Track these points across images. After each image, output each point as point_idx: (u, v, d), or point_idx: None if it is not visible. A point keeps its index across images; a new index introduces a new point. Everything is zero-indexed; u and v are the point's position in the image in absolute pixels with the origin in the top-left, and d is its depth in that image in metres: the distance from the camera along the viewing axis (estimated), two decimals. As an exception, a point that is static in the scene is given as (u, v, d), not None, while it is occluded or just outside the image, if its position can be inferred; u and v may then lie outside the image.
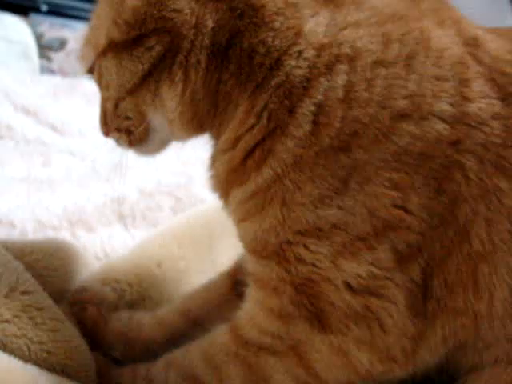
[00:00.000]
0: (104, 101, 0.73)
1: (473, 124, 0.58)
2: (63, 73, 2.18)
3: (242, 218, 0.64)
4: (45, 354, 0.67)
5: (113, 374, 0.73)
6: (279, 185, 0.60)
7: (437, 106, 0.58)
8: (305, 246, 0.59)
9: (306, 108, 0.60)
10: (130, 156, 1.35)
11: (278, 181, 0.60)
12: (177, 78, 0.64)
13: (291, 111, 0.60)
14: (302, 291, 0.60)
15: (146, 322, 0.81)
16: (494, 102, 0.59)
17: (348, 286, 0.58)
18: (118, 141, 0.75)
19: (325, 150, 0.58)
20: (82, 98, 1.84)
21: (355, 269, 0.58)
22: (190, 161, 1.34)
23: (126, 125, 0.72)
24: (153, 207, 1.19)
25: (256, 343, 0.63)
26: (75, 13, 2.58)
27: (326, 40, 0.61)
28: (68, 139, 1.54)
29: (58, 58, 2.22)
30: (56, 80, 1.97)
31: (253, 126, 0.62)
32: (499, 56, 0.61)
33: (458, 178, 0.58)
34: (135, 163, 1.30)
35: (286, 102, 0.60)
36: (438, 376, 0.66)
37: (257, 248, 0.63)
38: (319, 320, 0.60)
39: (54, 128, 1.63)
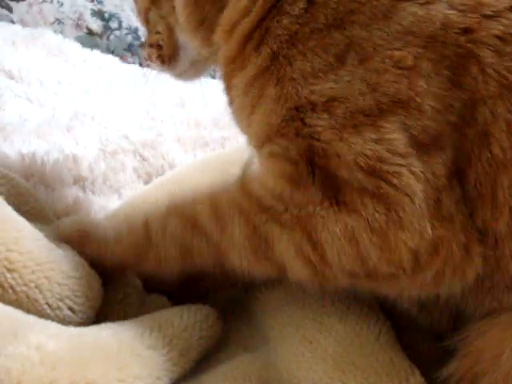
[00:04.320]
0: (138, 15, 0.76)
1: (488, 13, 0.54)
2: (24, 24, 2.04)
3: (249, 111, 0.61)
4: None
5: (111, 224, 0.70)
6: (275, 63, 0.59)
7: None
8: (301, 120, 0.56)
9: None
10: (93, 106, 1.26)
11: (275, 58, 0.59)
12: None
13: None
14: (314, 164, 0.55)
15: None
16: None
17: (358, 164, 0.53)
18: (150, 58, 0.76)
19: (319, 28, 0.57)
20: (44, 50, 1.71)
21: (360, 146, 0.53)
22: (159, 116, 1.24)
23: (156, 39, 0.73)
24: (115, 168, 1.08)
25: (264, 205, 0.59)
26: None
27: None
28: (26, 87, 1.42)
29: (19, 8, 2.08)
30: (16, 28, 1.84)
31: (249, 10, 0.61)
32: None
33: (475, 72, 0.53)
34: (98, 114, 1.23)
35: None
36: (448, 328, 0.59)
37: (264, 134, 0.59)
38: (333, 192, 0.55)
39: (10, 75, 1.49)
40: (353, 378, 0.58)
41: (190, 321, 0.64)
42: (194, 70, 0.78)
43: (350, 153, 0.54)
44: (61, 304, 0.62)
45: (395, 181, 0.53)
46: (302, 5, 0.58)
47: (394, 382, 0.57)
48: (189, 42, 0.71)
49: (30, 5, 2.00)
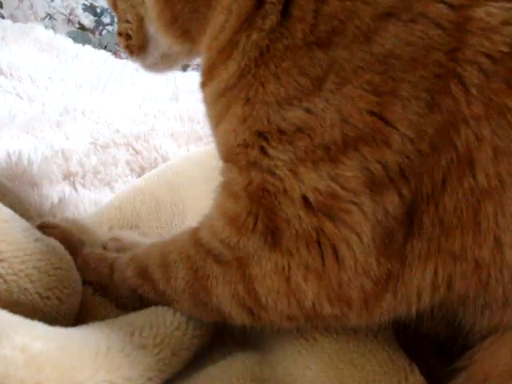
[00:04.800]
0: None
1: (476, 31, 0.50)
2: (15, 20, 2.01)
3: (215, 122, 0.59)
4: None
5: (84, 252, 0.71)
6: (243, 81, 0.55)
7: (432, 7, 0.50)
8: (261, 149, 0.53)
9: None
10: (84, 102, 1.24)
11: (243, 77, 0.55)
12: None
13: (260, 0, 0.55)
14: (258, 201, 0.54)
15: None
16: (510, 5, 0.50)
17: (305, 200, 0.52)
18: (120, 47, 0.73)
19: (297, 45, 0.53)
20: (34, 45, 1.69)
21: (314, 181, 0.51)
22: (153, 111, 1.22)
23: (126, 27, 0.70)
24: (107, 161, 1.07)
25: (208, 247, 0.59)
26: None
27: None
28: (16, 82, 1.40)
29: (9, 3, 2.06)
30: (6, 23, 1.81)
31: (225, 24, 0.58)
32: None
33: (456, 92, 0.50)
34: (89, 109, 1.20)
35: None
36: (451, 342, 0.57)
37: (223, 151, 0.57)
38: (272, 236, 0.53)
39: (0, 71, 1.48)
40: (350, 376, 0.56)
41: (182, 319, 0.63)
42: (164, 63, 0.74)
43: (299, 189, 0.52)
44: (50, 294, 0.62)
45: (345, 218, 0.51)
46: (275, 19, 0.54)
47: (392, 381, 0.56)
48: (160, 36, 0.68)
49: (21, 0, 1.97)
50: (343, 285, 0.52)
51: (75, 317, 0.66)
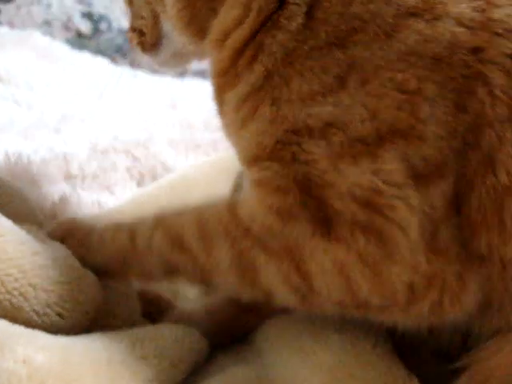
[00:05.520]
0: None
1: (499, 31, 0.51)
2: (12, 26, 2.01)
3: (238, 126, 0.58)
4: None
5: (98, 228, 0.68)
6: (270, 82, 0.56)
7: (453, 8, 0.51)
8: (299, 145, 0.53)
9: None
10: (82, 108, 1.24)
11: (269, 77, 0.56)
12: None
13: (282, 0, 0.56)
14: (308, 193, 0.53)
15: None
16: None
17: (353, 195, 0.52)
18: (132, 43, 0.73)
19: (319, 46, 0.54)
20: (32, 52, 1.69)
21: (356, 176, 0.51)
22: (151, 119, 1.23)
23: (139, 24, 0.70)
24: (106, 167, 1.07)
25: (252, 233, 0.57)
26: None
27: None
28: (14, 89, 1.40)
29: (7, 10, 2.06)
30: (3, 30, 1.82)
31: (241, 20, 0.58)
32: None
33: (482, 94, 0.51)
34: (88, 116, 1.21)
35: None
36: (453, 344, 0.58)
37: (254, 154, 0.57)
38: (324, 224, 0.53)
39: (-3, 77, 1.48)
40: (350, 388, 0.56)
41: (179, 333, 0.63)
42: (176, 61, 0.74)
43: (345, 183, 0.52)
44: (48, 310, 0.60)
45: (390, 214, 0.51)
46: (300, 19, 0.55)
47: (392, 392, 0.56)
48: (175, 34, 0.68)
49: (19, 7, 1.97)
50: (392, 279, 0.52)
51: (82, 330, 0.63)
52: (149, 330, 0.64)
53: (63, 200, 0.93)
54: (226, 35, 0.60)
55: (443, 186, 0.52)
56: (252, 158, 0.58)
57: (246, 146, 0.58)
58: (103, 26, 1.90)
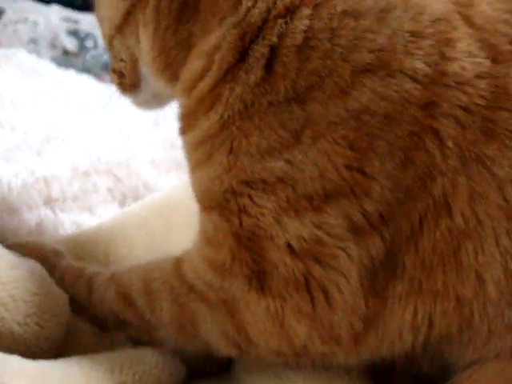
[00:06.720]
0: (103, 38, 0.75)
1: (452, 84, 0.53)
2: (-1, 44, 2.02)
3: (192, 167, 0.60)
4: None
5: (60, 266, 0.72)
6: (226, 132, 0.57)
7: (408, 63, 0.53)
8: (249, 197, 0.55)
9: (259, 51, 0.56)
10: (65, 128, 1.24)
11: (226, 128, 0.57)
12: (149, 20, 0.63)
13: (243, 54, 0.57)
14: (245, 246, 0.55)
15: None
16: (482, 60, 0.53)
17: (290, 248, 0.53)
18: (114, 83, 0.77)
19: (278, 100, 0.55)
20: (18, 70, 1.69)
21: (298, 229, 0.53)
22: (133, 137, 1.23)
23: (119, 66, 0.72)
24: (88, 188, 1.07)
25: (192, 285, 0.60)
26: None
27: None
28: (-2, 110, 1.40)
29: (-7, 28, 2.06)
30: (-12, 49, 1.82)
31: (206, 71, 0.59)
32: (495, 16, 0.55)
33: (431, 147, 0.52)
34: (70, 136, 1.21)
35: (239, 42, 0.56)
36: (431, 371, 0.58)
37: (203, 198, 0.59)
38: (259, 280, 0.55)
39: (-18, 99, 1.47)
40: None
41: (159, 358, 0.64)
42: (156, 101, 0.77)
43: (284, 236, 0.54)
44: (28, 320, 0.62)
45: (332, 262, 0.53)
46: (259, 73, 0.56)
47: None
48: (152, 78, 0.70)
49: (5, 25, 1.97)
50: (334, 325, 0.54)
51: (60, 341, 0.66)
52: (128, 355, 0.64)
53: (40, 226, 0.93)
54: (192, 84, 0.61)
55: (384, 235, 0.53)
56: (200, 202, 0.60)
57: (197, 188, 0.61)
58: (89, 43, 1.91)
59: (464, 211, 0.52)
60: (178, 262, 0.62)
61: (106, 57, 1.88)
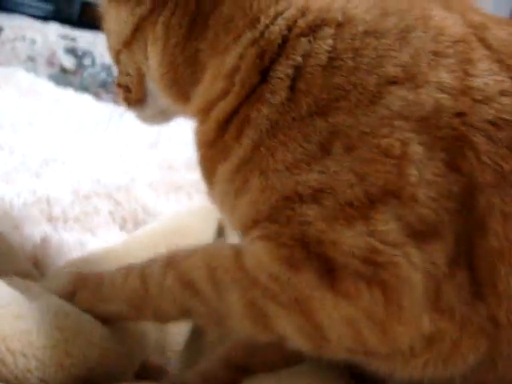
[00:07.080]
0: (109, 51, 0.74)
1: (478, 98, 0.52)
2: (-4, 62, 2.03)
3: (233, 196, 0.59)
4: None
5: (104, 274, 0.67)
6: (257, 153, 0.56)
7: (434, 77, 0.53)
8: (292, 209, 0.54)
9: (283, 71, 0.56)
10: (64, 150, 1.24)
11: (256, 149, 0.56)
12: (158, 37, 0.64)
13: (264, 74, 0.57)
14: (310, 250, 0.53)
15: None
16: (503, 79, 0.53)
17: (353, 253, 0.51)
18: (119, 98, 0.75)
19: (301, 116, 0.55)
20: (17, 90, 1.70)
21: (353, 239, 0.51)
22: (133, 160, 1.23)
23: (126, 80, 0.72)
24: (89, 211, 1.08)
25: (254, 277, 0.56)
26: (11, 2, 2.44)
27: (313, 3, 0.57)
28: (-4, 131, 1.40)
29: (-9, 46, 2.07)
30: (-13, 68, 1.83)
31: (225, 93, 0.59)
32: (509, 39, 0.56)
33: (471, 157, 0.51)
34: (69, 158, 1.21)
35: (259, 62, 0.56)
36: None
37: (251, 220, 0.57)
38: (330, 277, 0.52)
39: (-19, 119, 1.48)
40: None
41: None
42: (161, 117, 0.76)
43: (345, 243, 0.52)
44: (29, 375, 0.58)
45: (394, 270, 0.51)
46: (284, 94, 0.56)
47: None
48: (159, 94, 0.69)
49: (3, 43, 1.99)
50: (397, 335, 0.51)
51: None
52: None
53: (45, 241, 0.93)
54: (210, 106, 0.60)
55: (442, 244, 0.51)
56: (249, 224, 0.58)
57: (242, 214, 0.59)
58: (87, 61, 1.92)
59: (498, 233, 0.51)
60: (237, 253, 0.59)
61: (103, 75, 1.90)
